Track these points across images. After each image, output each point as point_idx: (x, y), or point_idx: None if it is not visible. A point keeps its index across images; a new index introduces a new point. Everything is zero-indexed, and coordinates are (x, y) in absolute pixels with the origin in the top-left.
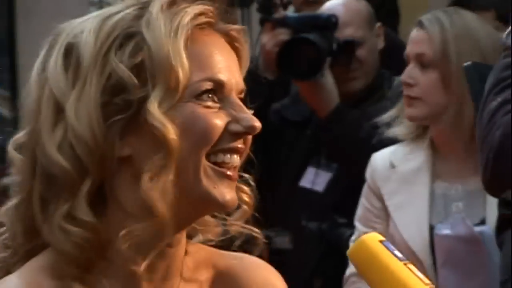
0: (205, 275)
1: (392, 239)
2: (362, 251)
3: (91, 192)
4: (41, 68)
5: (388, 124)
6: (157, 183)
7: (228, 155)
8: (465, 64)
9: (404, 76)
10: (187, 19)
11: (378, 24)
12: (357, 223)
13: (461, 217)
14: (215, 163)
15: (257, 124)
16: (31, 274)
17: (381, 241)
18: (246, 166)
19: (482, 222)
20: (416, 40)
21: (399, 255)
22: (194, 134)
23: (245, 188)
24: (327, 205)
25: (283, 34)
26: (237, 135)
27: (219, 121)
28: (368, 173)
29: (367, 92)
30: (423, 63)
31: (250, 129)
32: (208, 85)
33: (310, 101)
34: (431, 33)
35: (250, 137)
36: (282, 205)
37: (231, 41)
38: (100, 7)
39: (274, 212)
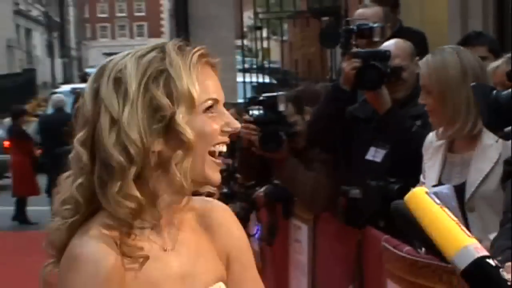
0: (190, 215)
1: None
2: (415, 199)
3: (135, 175)
4: (93, 93)
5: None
6: (181, 168)
7: (220, 146)
8: (472, 84)
9: (420, 99)
10: (195, 59)
11: (417, 57)
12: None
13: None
14: (212, 153)
15: (238, 125)
16: (96, 232)
17: (426, 192)
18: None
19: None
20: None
21: (437, 201)
22: (203, 136)
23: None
24: (383, 171)
25: (357, 63)
26: (226, 133)
27: (216, 126)
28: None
29: (407, 99)
30: (426, 90)
31: (235, 129)
32: (209, 103)
33: (373, 104)
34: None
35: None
36: (355, 171)
37: (212, 68)
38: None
39: (350, 176)
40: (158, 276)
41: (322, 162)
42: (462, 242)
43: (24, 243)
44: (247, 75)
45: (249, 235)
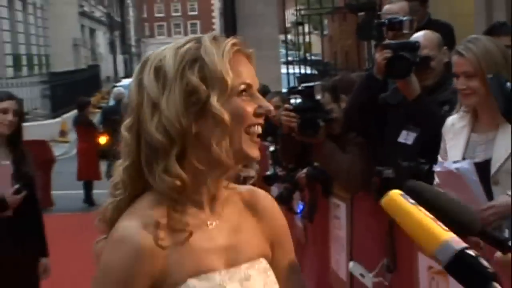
0: (236, 198)
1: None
2: (390, 201)
3: (177, 154)
4: (137, 82)
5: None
6: (220, 146)
7: (256, 128)
8: (488, 76)
9: (457, 85)
10: (227, 47)
11: (445, 47)
12: (438, 156)
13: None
14: (248, 133)
15: (271, 108)
16: (134, 215)
17: (400, 194)
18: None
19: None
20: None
21: (412, 201)
22: (237, 117)
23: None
24: (413, 152)
25: (388, 53)
26: (260, 115)
27: (250, 108)
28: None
29: (436, 86)
30: (468, 75)
31: (268, 111)
32: (243, 87)
33: (404, 91)
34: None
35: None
36: (388, 153)
37: (248, 57)
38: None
39: (383, 157)
40: (202, 248)
41: (357, 145)
42: (441, 237)
43: (89, 223)
44: (291, 67)
45: (294, 213)
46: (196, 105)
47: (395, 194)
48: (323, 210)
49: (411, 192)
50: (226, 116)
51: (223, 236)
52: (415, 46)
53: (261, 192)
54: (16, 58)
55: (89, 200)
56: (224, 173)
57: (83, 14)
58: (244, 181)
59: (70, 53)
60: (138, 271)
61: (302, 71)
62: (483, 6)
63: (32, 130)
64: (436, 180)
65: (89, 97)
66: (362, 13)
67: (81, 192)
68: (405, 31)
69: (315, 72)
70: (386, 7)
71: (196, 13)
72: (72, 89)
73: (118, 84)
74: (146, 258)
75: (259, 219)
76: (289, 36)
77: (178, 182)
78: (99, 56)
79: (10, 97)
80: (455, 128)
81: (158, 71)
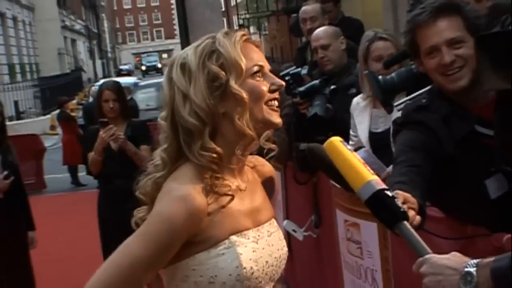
0: (250, 165)
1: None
2: (331, 146)
3: (210, 133)
4: (168, 80)
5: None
6: (242, 120)
7: (273, 101)
8: (365, 72)
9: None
10: (238, 38)
11: (342, 37)
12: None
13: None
14: (269, 106)
15: (282, 83)
16: (187, 180)
17: (340, 141)
18: None
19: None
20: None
21: (349, 147)
22: (255, 95)
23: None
24: (328, 127)
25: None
26: (275, 91)
27: (264, 87)
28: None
29: (341, 71)
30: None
31: (280, 86)
32: (255, 68)
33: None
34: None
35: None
36: (307, 129)
37: (257, 47)
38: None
39: (304, 133)
40: (238, 210)
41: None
42: (366, 178)
43: (76, 201)
44: None
45: None
46: (219, 89)
47: (336, 140)
48: None
49: (311, 152)
50: (244, 95)
51: (250, 199)
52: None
53: (266, 162)
54: (11, 67)
55: (75, 181)
56: (249, 144)
57: (65, 27)
58: (266, 153)
59: (55, 61)
60: (188, 226)
61: None
62: (389, 4)
63: (28, 125)
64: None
65: (73, 96)
66: (294, 15)
67: (68, 175)
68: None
69: None
70: (302, 8)
71: (160, 21)
72: (59, 91)
73: (96, 84)
74: (197, 218)
75: (265, 186)
76: None
77: (215, 155)
78: (80, 62)
79: None
80: (360, 106)
81: (183, 67)
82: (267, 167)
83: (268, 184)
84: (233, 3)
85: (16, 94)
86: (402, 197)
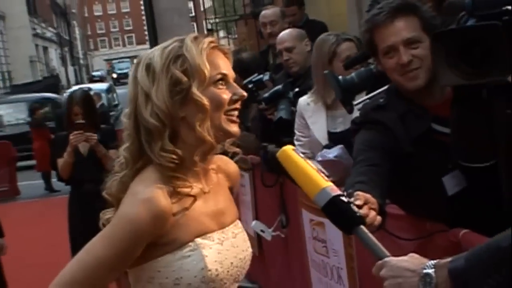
0: (215, 168)
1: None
2: (284, 155)
3: (169, 135)
4: (133, 78)
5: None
6: (203, 127)
7: (233, 111)
8: (325, 71)
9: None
10: (205, 45)
11: (306, 39)
12: (295, 131)
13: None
14: (228, 116)
15: (245, 93)
16: (151, 183)
17: (293, 149)
18: None
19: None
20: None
21: (302, 155)
22: (215, 103)
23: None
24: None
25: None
26: (235, 101)
27: (226, 95)
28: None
29: (304, 72)
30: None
31: (241, 96)
32: (219, 76)
33: None
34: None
35: (240, 102)
36: (274, 131)
37: (225, 54)
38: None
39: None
40: (202, 213)
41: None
42: (320, 185)
43: (50, 206)
44: None
45: None
46: (180, 94)
47: (289, 149)
48: None
49: (273, 157)
50: (205, 101)
51: (214, 202)
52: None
53: (229, 160)
54: None
55: (49, 187)
56: (211, 149)
57: (36, 35)
58: (231, 157)
59: (27, 68)
60: (152, 228)
61: None
62: (354, 6)
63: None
64: (298, 150)
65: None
66: None
67: (41, 181)
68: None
69: None
70: (262, 13)
71: (131, 27)
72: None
73: (68, 90)
74: (162, 220)
75: (230, 185)
76: None
77: (174, 157)
78: (52, 69)
79: None
80: (312, 107)
81: (149, 67)
82: (231, 166)
83: (234, 183)
84: (202, 8)
85: None
86: (363, 198)
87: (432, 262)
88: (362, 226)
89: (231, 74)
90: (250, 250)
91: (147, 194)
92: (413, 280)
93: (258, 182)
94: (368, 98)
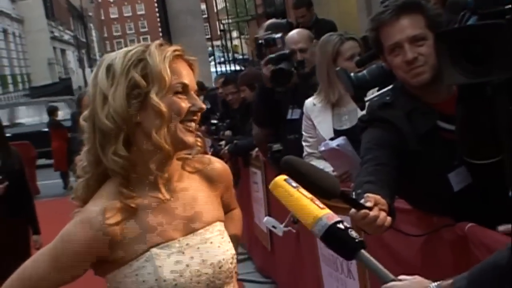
0: (188, 171)
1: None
2: (276, 186)
3: (124, 140)
4: (94, 78)
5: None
6: (160, 134)
7: (191, 122)
8: (337, 69)
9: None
10: (169, 53)
11: (314, 40)
12: (303, 132)
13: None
14: (185, 126)
15: (204, 106)
16: (100, 200)
17: (285, 180)
18: None
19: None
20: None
21: (294, 184)
22: (173, 110)
23: (199, 138)
24: (299, 126)
25: (270, 67)
26: (194, 113)
27: (184, 105)
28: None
29: (312, 71)
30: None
31: (200, 109)
32: (179, 86)
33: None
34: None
35: (199, 114)
36: (279, 131)
37: (189, 64)
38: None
39: (277, 135)
40: (160, 222)
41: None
42: (316, 215)
43: (70, 205)
44: (223, 66)
45: None
46: (137, 98)
47: (280, 179)
48: (245, 177)
49: (287, 164)
50: (163, 108)
51: (179, 209)
52: (289, 55)
53: (212, 159)
54: (3, 78)
55: (67, 186)
56: (167, 157)
57: (54, 38)
58: None
59: (46, 70)
60: (89, 249)
61: (233, 68)
62: (364, 4)
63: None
64: (307, 150)
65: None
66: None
67: (60, 180)
68: (278, 46)
69: (242, 68)
70: (289, 35)
71: (146, 29)
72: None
73: (85, 91)
74: (98, 242)
75: (214, 185)
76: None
77: (125, 162)
78: (70, 71)
79: None
80: (318, 107)
81: (109, 68)
82: (215, 167)
83: (219, 180)
84: (215, 9)
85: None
86: (373, 200)
87: (435, 284)
88: (363, 251)
89: (192, 85)
90: (229, 252)
91: (86, 214)
92: None
93: (270, 179)
94: (375, 96)
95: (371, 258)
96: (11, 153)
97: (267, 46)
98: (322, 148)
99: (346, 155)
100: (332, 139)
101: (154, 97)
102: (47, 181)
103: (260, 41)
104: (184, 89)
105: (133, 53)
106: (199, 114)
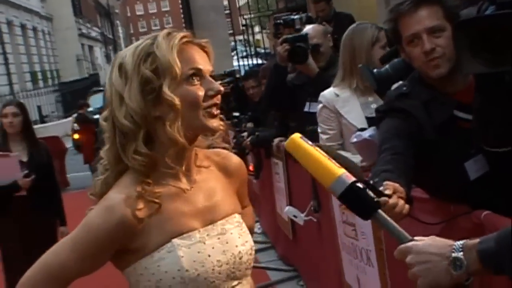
0: (206, 163)
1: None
2: (292, 144)
3: (145, 136)
4: (109, 78)
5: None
6: (174, 127)
7: (211, 108)
8: (359, 65)
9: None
10: (176, 41)
11: (329, 35)
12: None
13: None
14: (207, 111)
15: (221, 88)
16: (121, 188)
17: (300, 137)
18: None
19: None
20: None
21: (310, 142)
22: (189, 101)
23: (222, 122)
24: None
25: (287, 46)
26: (212, 96)
27: (201, 92)
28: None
29: (327, 65)
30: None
31: (218, 92)
32: (191, 72)
33: (305, 72)
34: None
35: (219, 96)
36: (297, 121)
37: (202, 48)
38: (89, 38)
39: (294, 125)
40: (182, 213)
41: (276, 119)
42: (335, 173)
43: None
44: (245, 60)
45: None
46: (152, 93)
47: (296, 137)
48: (267, 168)
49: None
50: (176, 101)
51: (199, 200)
52: (306, 37)
53: (229, 154)
54: (33, 74)
55: None
56: (182, 151)
57: (82, 35)
58: None
59: (74, 66)
60: (114, 237)
61: (255, 62)
62: None
63: (51, 128)
64: (324, 143)
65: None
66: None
67: (89, 173)
68: (297, 27)
69: (264, 62)
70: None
71: (171, 25)
72: (78, 94)
73: None
74: (123, 228)
75: (230, 179)
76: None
77: (146, 159)
78: (98, 67)
79: (9, 103)
80: (342, 97)
81: (121, 67)
82: (231, 160)
83: (236, 175)
84: (238, 5)
85: (39, 100)
86: (392, 187)
87: (459, 243)
88: (380, 211)
89: (206, 68)
90: (248, 244)
91: (110, 201)
92: (442, 264)
93: (291, 170)
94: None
95: (389, 218)
96: (39, 146)
97: (286, 26)
98: (354, 140)
99: (376, 144)
100: (361, 130)
101: (166, 90)
102: (77, 173)
103: (278, 21)
104: (197, 74)
105: (141, 48)
106: (219, 96)
